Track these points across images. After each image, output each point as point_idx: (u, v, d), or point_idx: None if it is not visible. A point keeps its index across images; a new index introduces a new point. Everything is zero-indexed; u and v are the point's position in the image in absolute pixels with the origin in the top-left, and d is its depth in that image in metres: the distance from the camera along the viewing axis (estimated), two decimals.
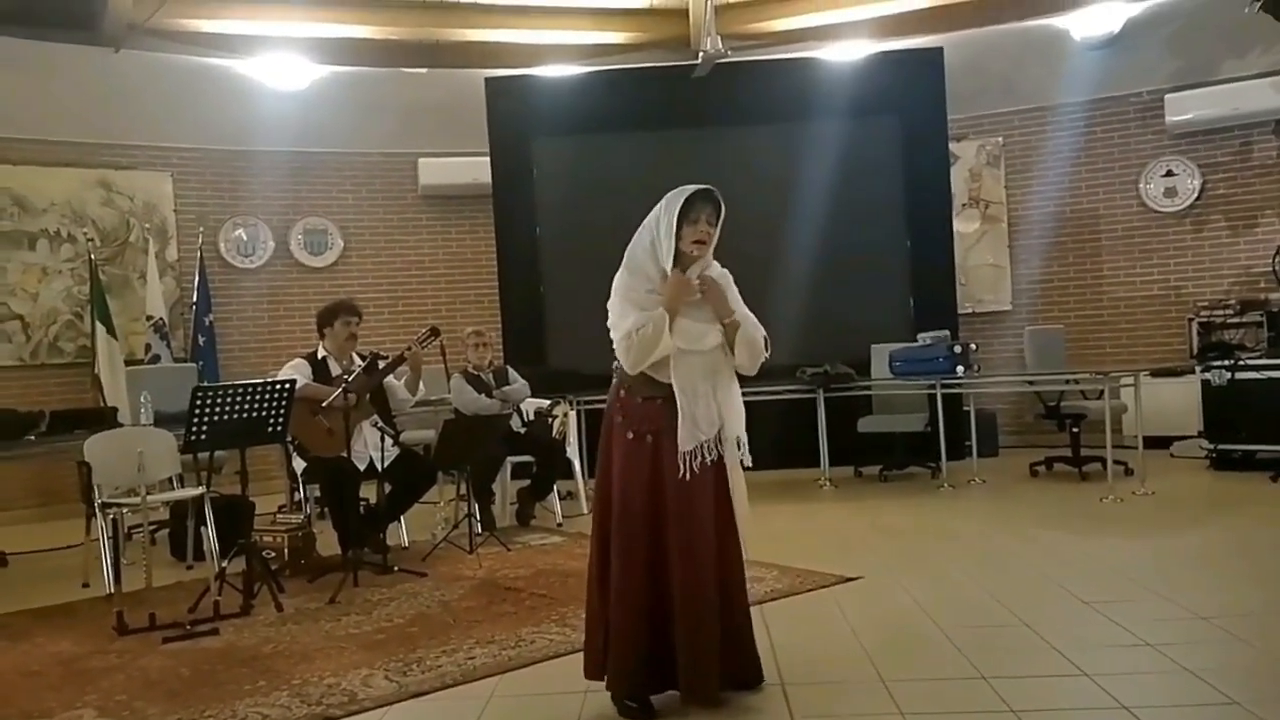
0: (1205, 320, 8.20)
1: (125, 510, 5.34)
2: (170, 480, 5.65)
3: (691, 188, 3.09)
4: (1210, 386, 7.39)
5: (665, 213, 3.07)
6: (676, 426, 3.07)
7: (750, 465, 3.21)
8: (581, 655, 3.31)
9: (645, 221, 3.17)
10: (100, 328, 8.17)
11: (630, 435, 3.12)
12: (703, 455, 3.09)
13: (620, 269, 3.17)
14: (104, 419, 6.06)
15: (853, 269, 8.54)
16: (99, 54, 8.01)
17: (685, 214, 3.06)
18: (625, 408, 3.16)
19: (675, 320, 3.07)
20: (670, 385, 3.10)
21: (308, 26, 8.58)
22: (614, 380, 3.25)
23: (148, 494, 5.07)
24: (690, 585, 3.06)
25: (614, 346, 3.15)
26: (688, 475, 3.06)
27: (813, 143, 8.61)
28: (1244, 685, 3.13)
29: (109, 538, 5.19)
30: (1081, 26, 8.66)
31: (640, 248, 3.14)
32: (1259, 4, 7.20)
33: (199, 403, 4.69)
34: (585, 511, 6.96)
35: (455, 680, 3.60)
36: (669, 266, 3.08)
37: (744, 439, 3.18)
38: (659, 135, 8.87)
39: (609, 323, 3.15)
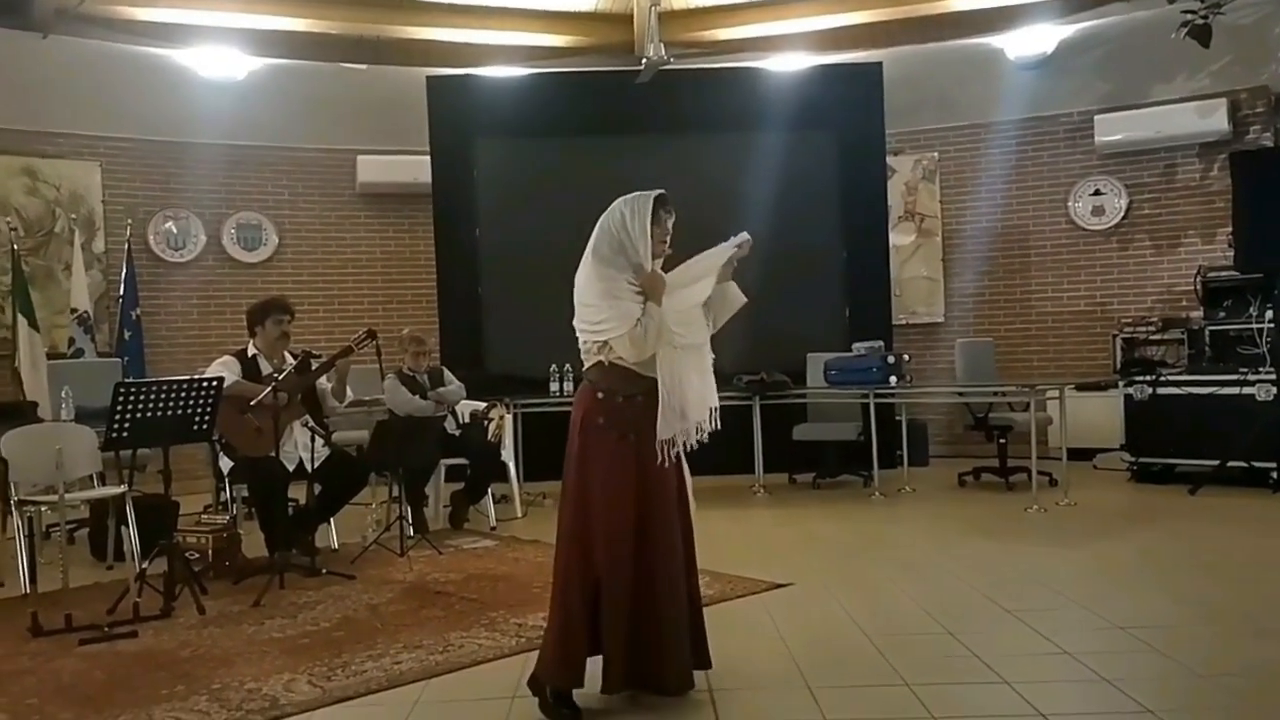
0: (1129, 336, 8.42)
1: (43, 508, 5.20)
2: (90, 478, 5.51)
3: (652, 193, 3.23)
4: (1133, 401, 7.59)
5: (637, 217, 3.18)
6: (655, 420, 3.15)
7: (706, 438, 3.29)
8: (509, 660, 3.30)
9: (607, 224, 3.22)
10: (21, 320, 7.94)
11: (615, 436, 3.19)
12: (679, 443, 3.20)
13: (590, 267, 3.19)
14: (22, 414, 5.93)
15: (790, 278, 8.56)
16: (27, 39, 7.80)
17: (654, 216, 3.20)
18: (607, 409, 3.20)
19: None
20: (648, 381, 3.18)
21: (244, 17, 8.42)
22: (585, 384, 3.29)
23: (66, 492, 4.94)
24: (670, 579, 3.19)
25: (599, 340, 3.17)
26: (667, 462, 3.17)
27: (753, 152, 8.66)
28: (1158, 694, 3.22)
29: (25, 536, 5.05)
30: (1016, 47, 8.88)
31: (609, 247, 3.19)
32: (1186, 30, 7.44)
33: (121, 399, 4.58)
34: (520, 515, 6.93)
35: (380, 685, 3.56)
36: (649, 264, 3.19)
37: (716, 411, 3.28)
38: (600, 140, 8.86)
39: (593, 319, 3.17)
